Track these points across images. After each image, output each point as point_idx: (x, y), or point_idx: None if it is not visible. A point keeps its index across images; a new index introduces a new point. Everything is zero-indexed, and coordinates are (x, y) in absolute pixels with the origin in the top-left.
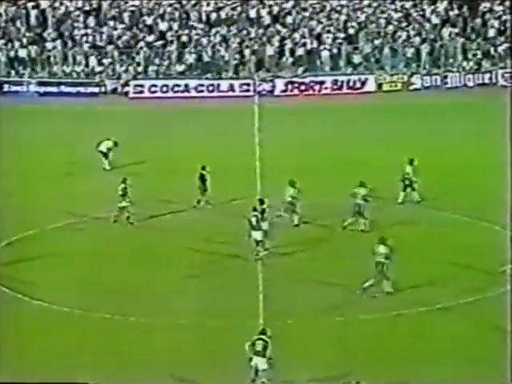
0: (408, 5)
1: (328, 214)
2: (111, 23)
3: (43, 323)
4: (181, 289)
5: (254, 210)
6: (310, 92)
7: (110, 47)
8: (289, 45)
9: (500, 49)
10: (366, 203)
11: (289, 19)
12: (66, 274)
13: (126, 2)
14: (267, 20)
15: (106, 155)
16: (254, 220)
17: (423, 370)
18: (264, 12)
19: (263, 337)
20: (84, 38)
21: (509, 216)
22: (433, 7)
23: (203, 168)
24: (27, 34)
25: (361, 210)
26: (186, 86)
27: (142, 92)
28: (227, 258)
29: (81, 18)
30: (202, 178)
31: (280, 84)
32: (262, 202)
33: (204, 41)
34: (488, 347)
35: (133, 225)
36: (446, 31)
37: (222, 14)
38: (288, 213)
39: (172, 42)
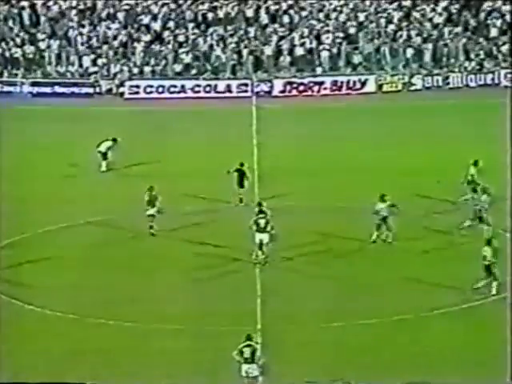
0: (408, 4)
1: (324, 217)
2: (106, 23)
3: (36, 328)
4: (177, 294)
5: (261, 212)
6: (309, 93)
7: (104, 47)
8: (287, 45)
9: (503, 49)
10: (486, 209)
11: (287, 19)
12: (59, 279)
13: (121, 1)
14: (265, 20)
15: (104, 156)
16: (262, 222)
17: (423, 373)
18: (262, 11)
19: (250, 343)
20: (78, 38)
21: (509, 217)
22: (433, 6)
23: (241, 165)
24: (20, 34)
25: (482, 216)
26: (183, 86)
27: (137, 93)
28: (225, 261)
29: (75, 18)
30: (241, 175)
31: (278, 85)
32: (260, 204)
33: (201, 41)
34: (488, 349)
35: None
36: (447, 31)
37: (219, 14)
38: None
39: (168, 41)
